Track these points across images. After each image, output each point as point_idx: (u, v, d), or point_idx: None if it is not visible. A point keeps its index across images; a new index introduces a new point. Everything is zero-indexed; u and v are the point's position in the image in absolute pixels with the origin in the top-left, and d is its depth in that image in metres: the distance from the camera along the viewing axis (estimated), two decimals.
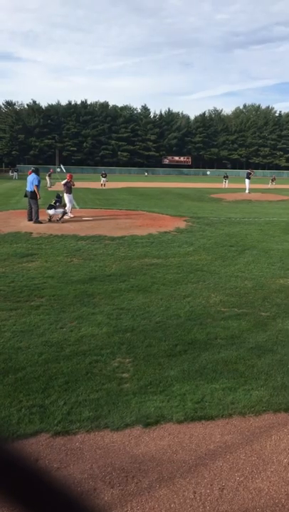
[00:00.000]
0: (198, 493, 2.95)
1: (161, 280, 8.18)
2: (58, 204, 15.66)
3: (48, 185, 35.66)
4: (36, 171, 15.88)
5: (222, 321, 6.18)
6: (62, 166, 49.12)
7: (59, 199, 16.01)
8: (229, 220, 17.35)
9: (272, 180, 46.22)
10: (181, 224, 15.54)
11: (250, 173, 36.31)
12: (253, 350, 5.22)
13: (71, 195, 17.04)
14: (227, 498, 2.92)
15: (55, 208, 15.50)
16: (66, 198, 16.76)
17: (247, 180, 35.17)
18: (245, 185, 35.51)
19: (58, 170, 48.41)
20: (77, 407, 3.90)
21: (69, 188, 16.98)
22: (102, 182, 40.90)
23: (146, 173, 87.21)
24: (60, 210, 15.57)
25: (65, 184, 17.16)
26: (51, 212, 15.37)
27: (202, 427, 3.71)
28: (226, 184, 43.01)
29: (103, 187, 39.31)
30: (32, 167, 17.55)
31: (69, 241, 11.79)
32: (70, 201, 16.97)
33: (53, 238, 12.21)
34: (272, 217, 18.59)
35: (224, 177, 44.42)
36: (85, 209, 19.40)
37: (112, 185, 41.11)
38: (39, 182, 15.40)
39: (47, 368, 4.61)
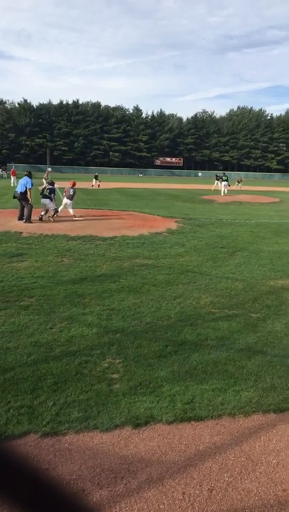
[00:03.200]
0: (187, 493, 2.95)
1: (152, 281, 8.18)
2: (53, 195, 15.61)
3: (45, 185, 35.49)
4: (29, 175, 15.74)
5: (212, 322, 6.19)
6: (49, 169, 49.02)
7: (52, 186, 15.86)
8: (220, 221, 17.42)
9: (239, 182, 45.41)
10: (173, 225, 15.56)
11: (221, 176, 36.06)
12: (243, 351, 5.24)
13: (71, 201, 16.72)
14: (216, 499, 2.92)
15: (50, 199, 15.45)
16: (65, 200, 16.54)
17: (224, 183, 34.54)
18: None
19: (49, 169, 48.31)
20: (67, 407, 3.88)
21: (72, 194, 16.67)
22: (94, 183, 40.64)
23: (140, 174, 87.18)
24: (53, 205, 15.48)
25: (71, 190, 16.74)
26: (46, 202, 15.34)
27: (192, 428, 3.71)
28: (220, 185, 42.80)
29: (97, 187, 39.12)
30: (25, 171, 17.47)
31: (59, 241, 11.74)
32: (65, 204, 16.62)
33: (43, 238, 12.14)
34: (263, 219, 18.70)
35: (218, 177, 44.38)
36: (76, 209, 19.29)
37: (103, 185, 41.03)
38: (32, 185, 15.21)
39: (36, 369, 4.57)
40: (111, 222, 15.54)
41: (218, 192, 35.09)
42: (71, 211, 16.41)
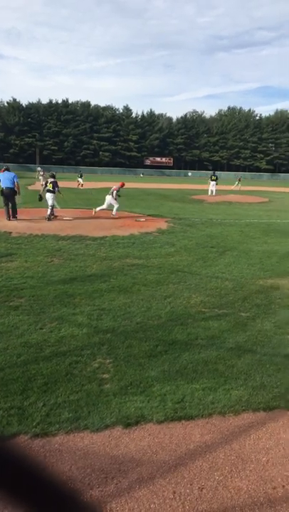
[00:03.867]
0: (177, 492, 2.96)
1: (143, 281, 8.18)
2: (56, 189, 15.69)
3: (42, 182, 35.55)
4: (8, 170, 16.00)
5: (203, 321, 6.21)
6: (38, 168, 48.85)
7: (54, 179, 15.93)
8: (210, 221, 17.49)
9: (239, 181, 45.27)
10: (163, 225, 15.58)
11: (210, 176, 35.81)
12: (233, 350, 5.27)
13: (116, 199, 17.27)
14: (206, 498, 2.93)
15: (54, 193, 15.55)
16: (111, 200, 17.13)
17: (212, 183, 34.04)
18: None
19: (39, 169, 48.09)
20: (57, 408, 3.86)
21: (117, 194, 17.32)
22: (79, 182, 40.09)
23: (141, 175, 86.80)
24: (51, 202, 15.51)
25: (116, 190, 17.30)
26: (50, 197, 15.43)
27: (182, 427, 3.72)
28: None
29: (80, 187, 38.65)
30: (4, 166, 17.50)
31: (49, 241, 11.68)
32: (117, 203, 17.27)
33: (33, 238, 12.07)
34: (252, 219, 18.82)
35: (210, 177, 44.40)
36: (66, 209, 19.24)
37: (91, 185, 40.87)
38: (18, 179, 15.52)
39: (26, 369, 4.55)
40: (101, 222, 15.51)
41: (206, 192, 35.18)
42: (115, 210, 17.11)
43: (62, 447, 3.38)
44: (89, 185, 40.62)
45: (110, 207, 17.20)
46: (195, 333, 5.74)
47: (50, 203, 15.49)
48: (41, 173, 41.20)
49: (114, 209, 17.14)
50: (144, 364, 4.78)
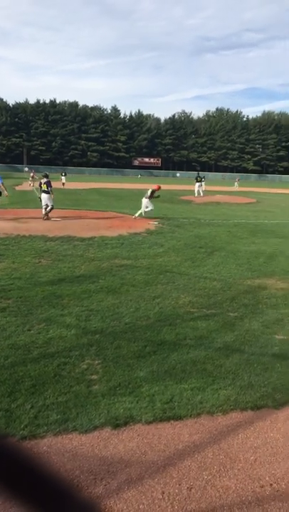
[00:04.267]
0: (166, 493, 2.96)
1: (131, 281, 8.18)
2: (50, 188, 15.84)
3: (30, 182, 35.31)
4: None
5: (191, 321, 6.23)
6: (26, 169, 48.45)
7: (48, 179, 16.06)
8: (198, 221, 17.56)
9: (237, 182, 46.18)
10: (151, 225, 15.60)
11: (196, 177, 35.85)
12: (221, 350, 5.30)
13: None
14: (195, 497, 2.94)
15: (48, 193, 15.74)
16: (147, 203, 17.30)
17: (197, 184, 34.08)
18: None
19: (26, 169, 47.69)
20: (45, 410, 3.84)
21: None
22: (62, 180, 39.61)
23: (139, 176, 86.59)
24: (50, 202, 15.70)
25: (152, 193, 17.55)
26: (46, 197, 15.66)
27: (171, 427, 3.73)
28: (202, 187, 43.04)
29: (62, 186, 38.21)
30: None
31: (37, 242, 11.60)
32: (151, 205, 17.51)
33: (20, 239, 11.98)
34: (240, 220, 18.95)
35: (195, 179, 44.88)
36: (54, 209, 19.12)
37: (80, 185, 40.71)
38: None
39: (13, 371, 4.51)
40: (89, 223, 15.46)
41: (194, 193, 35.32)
42: (142, 212, 17.47)
43: (51, 449, 3.36)
44: (77, 185, 40.44)
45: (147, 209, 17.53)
46: (183, 333, 5.76)
47: (45, 202, 15.76)
48: (31, 174, 40.84)
49: (148, 209, 17.45)
50: (132, 365, 4.78)
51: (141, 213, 17.29)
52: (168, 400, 4.10)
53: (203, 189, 34.22)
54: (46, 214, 15.81)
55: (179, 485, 3.04)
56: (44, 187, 15.85)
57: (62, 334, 5.53)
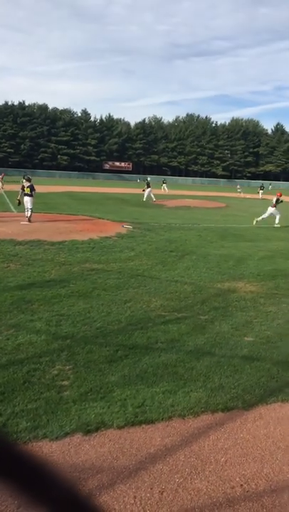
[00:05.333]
0: (138, 497, 2.96)
1: (102, 285, 8.14)
2: (33, 192, 16.30)
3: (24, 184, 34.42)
4: None
5: (162, 325, 6.26)
6: None
7: (30, 183, 16.58)
8: (169, 225, 17.69)
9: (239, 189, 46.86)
10: (122, 229, 15.59)
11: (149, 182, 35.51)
12: (192, 353, 5.35)
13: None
14: (167, 501, 2.95)
15: (31, 196, 16.10)
16: (273, 211, 19.49)
17: (148, 189, 33.28)
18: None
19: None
20: (14, 418, 3.76)
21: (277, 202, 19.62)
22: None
23: (138, 180, 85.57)
24: (30, 205, 15.98)
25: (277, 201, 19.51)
26: (28, 200, 15.98)
27: (142, 432, 3.73)
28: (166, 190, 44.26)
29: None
30: None
31: (6, 246, 11.36)
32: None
33: None
34: (210, 224, 19.23)
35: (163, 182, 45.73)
36: (22, 213, 18.83)
37: (51, 188, 40.22)
38: None
39: None
40: (60, 227, 15.30)
41: (165, 197, 35.60)
42: (277, 219, 19.44)
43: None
44: (48, 189, 39.93)
45: (271, 216, 19.39)
46: (155, 336, 5.78)
47: (28, 205, 16.07)
48: (0, 176, 40.02)
49: (277, 218, 19.37)
50: (104, 369, 4.75)
51: (264, 218, 19.19)
52: (140, 404, 4.10)
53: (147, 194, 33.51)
54: (26, 217, 16.10)
55: (151, 489, 3.04)
56: (27, 190, 16.32)
57: (32, 340, 5.44)
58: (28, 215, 15.90)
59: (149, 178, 40.57)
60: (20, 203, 16.60)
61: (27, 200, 16.13)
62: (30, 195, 16.17)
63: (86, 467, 3.23)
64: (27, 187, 16.39)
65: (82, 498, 0.60)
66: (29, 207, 15.97)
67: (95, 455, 3.38)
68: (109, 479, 3.12)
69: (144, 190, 33.76)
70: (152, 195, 33.06)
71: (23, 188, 16.54)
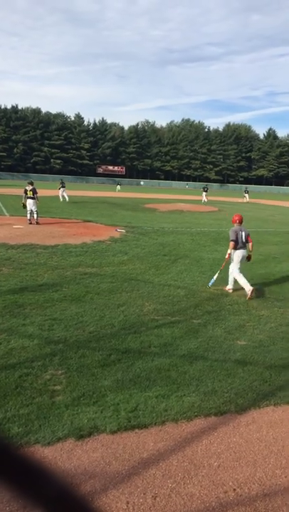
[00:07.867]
0: (131, 502, 2.94)
1: (95, 289, 8.12)
2: (35, 195, 17.15)
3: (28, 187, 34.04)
4: None
5: (156, 329, 6.25)
6: None
7: (33, 186, 17.39)
8: (162, 229, 17.71)
9: (245, 193, 46.89)
10: (116, 233, 15.58)
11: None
12: (185, 357, 5.34)
13: None
14: (160, 506, 2.93)
15: (34, 199, 16.96)
16: None
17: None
18: None
19: None
20: (6, 423, 3.72)
21: None
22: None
23: (142, 182, 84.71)
24: (35, 208, 16.86)
25: None
26: (31, 202, 16.81)
27: (135, 436, 3.71)
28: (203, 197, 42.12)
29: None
30: None
31: None
32: None
33: None
34: (203, 228, 19.28)
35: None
36: (15, 216, 18.76)
37: (44, 192, 40.09)
38: None
39: None
40: (53, 231, 15.26)
41: (159, 201, 35.63)
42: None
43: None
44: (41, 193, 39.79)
45: None
46: (148, 340, 5.77)
47: (30, 208, 16.91)
48: None
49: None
50: (97, 374, 4.73)
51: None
52: (133, 408, 4.09)
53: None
54: (33, 219, 16.82)
55: (144, 494, 3.03)
56: (30, 193, 17.10)
57: (24, 344, 5.40)
58: (35, 217, 16.82)
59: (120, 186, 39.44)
60: (25, 206, 17.24)
61: (30, 203, 16.97)
62: (33, 198, 17.06)
63: (78, 472, 3.21)
64: (29, 190, 17.21)
65: (76, 503, 0.59)
66: (34, 209, 16.85)
67: (87, 460, 3.36)
68: (102, 484, 3.10)
69: (59, 189, 32.85)
70: (66, 196, 31.86)
71: (25, 191, 17.33)
